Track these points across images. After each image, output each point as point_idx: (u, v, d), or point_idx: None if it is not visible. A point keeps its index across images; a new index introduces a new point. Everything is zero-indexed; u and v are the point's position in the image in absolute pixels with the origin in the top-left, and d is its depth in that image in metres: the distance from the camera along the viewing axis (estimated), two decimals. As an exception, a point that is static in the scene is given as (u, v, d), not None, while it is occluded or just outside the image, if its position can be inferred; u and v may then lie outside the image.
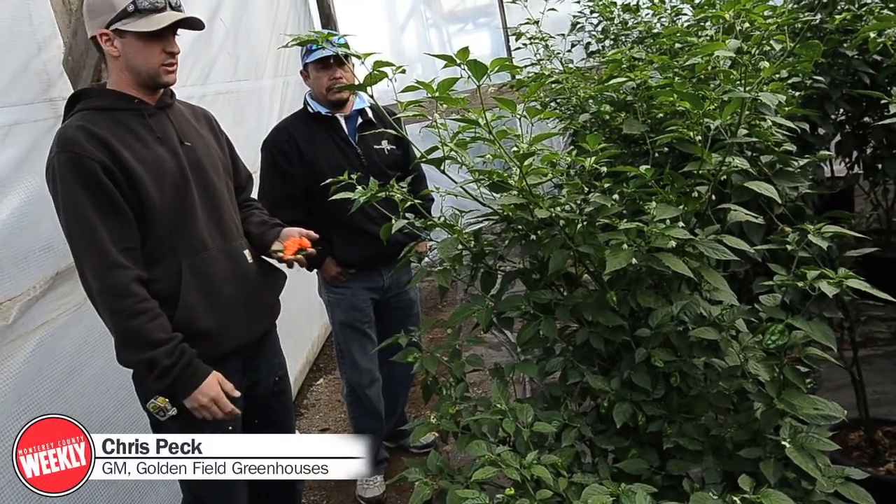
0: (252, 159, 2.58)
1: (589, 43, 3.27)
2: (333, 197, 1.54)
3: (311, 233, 1.92)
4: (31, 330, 1.83)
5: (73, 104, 1.64)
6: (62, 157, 1.52)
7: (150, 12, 1.57)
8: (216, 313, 1.69)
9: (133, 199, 1.57)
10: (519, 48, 2.95)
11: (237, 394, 1.65)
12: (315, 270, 2.65)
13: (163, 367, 1.55)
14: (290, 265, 1.86)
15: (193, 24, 1.66)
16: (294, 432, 2.13)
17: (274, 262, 1.92)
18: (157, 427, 1.67)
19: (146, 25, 1.56)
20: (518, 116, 1.30)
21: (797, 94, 1.87)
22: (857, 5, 2.47)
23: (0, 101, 1.79)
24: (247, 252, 1.84)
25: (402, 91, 1.33)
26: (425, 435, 1.44)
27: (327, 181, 1.65)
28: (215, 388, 1.61)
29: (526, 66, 2.77)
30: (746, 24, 1.35)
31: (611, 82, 1.64)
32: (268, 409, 1.95)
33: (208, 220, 1.73)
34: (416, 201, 1.51)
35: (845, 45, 2.45)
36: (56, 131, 1.59)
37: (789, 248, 1.17)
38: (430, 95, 1.23)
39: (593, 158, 1.32)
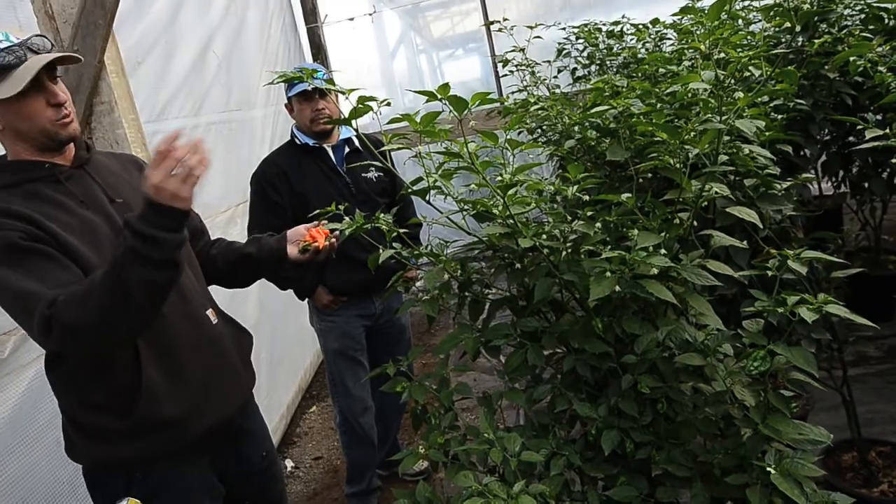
0: (244, 187, 2.61)
1: (575, 68, 3.32)
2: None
3: (317, 222, 1.75)
4: (27, 363, 1.83)
5: None
6: None
7: (6, 70, 1.29)
8: (182, 393, 1.46)
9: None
10: (506, 75, 3.00)
11: None
12: (306, 300, 2.66)
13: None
14: (327, 254, 1.70)
15: (68, 59, 1.39)
16: None
17: (236, 321, 1.72)
18: None
19: (8, 88, 1.28)
20: (501, 148, 1.32)
21: (780, 116, 1.90)
22: (836, 28, 2.52)
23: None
24: (210, 312, 1.60)
25: (388, 123, 1.35)
26: (415, 464, 1.43)
27: (316, 212, 1.66)
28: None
29: (512, 93, 2.81)
30: (723, 54, 1.37)
31: (594, 110, 1.66)
32: (260, 489, 1.76)
33: None
34: (402, 231, 1.52)
35: (826, 67, 2.50)
36: None
37: (770, 273, 1.18)
38: (414, 130, 1.25)
39: (575, 187, 1.34)
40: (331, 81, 1.40)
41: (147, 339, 1.42)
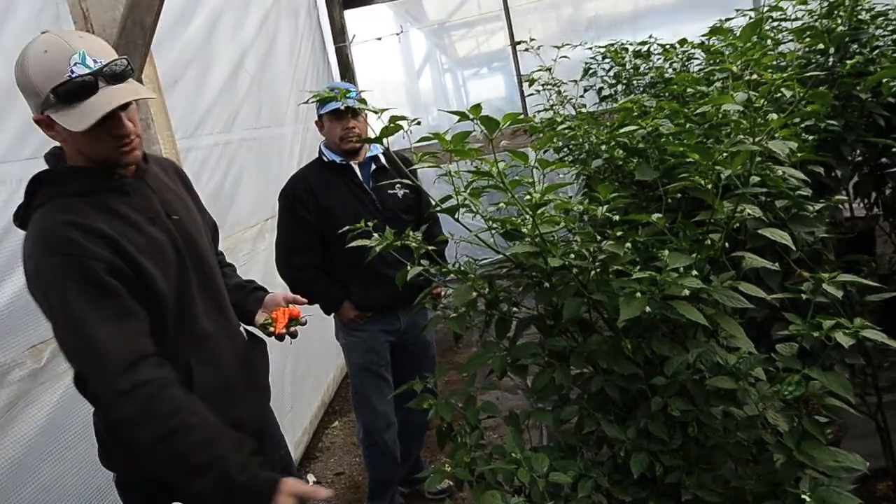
0: (273, 203, 2.65)
1: (601, 88, 3.32)
2: (351, 245, 1.56)
3: (298, 297, 1.73)
4: (62, 371, 1.87)
5: (36, 188, 1.34)
6: (56, 262, 1.24)
7: (77, 98, 1.23)
8: (227, 405, 1.47)
9: (142, 297, 1.32)
10: (532, 94, 3.01)
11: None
12: (332, 314, 2.68)
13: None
14: (280, 339, 1.65)
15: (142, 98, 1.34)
16: None
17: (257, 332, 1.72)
18: None
19: (75, 121, 1.22)
20: (530, 167, 1.33)
21: (811, 137, 1.88)
22: (868, 49, 2.49)
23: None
24: (242, 328, 1.63)
25: (417, 142, 1.37)
26: (440, 482, 1.43)
27: (344, 228, 1.68)
28: (299, 486, 1.34)
29: (538, 112, 2.82)
30: (755, 76, 1.37)
31: (622, 130, 1.66)
32: None
33: (208, 301, 1.49)
34: (431, 248, 1.53)
35: (858, 87, 2.47)
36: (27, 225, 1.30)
37: (804, 296, 1.16)
38: (444, 149, 1.26)
39: (605, 207, 1.34)
40: (363, 101, 1.42)
41: (199, 360, 1.45)
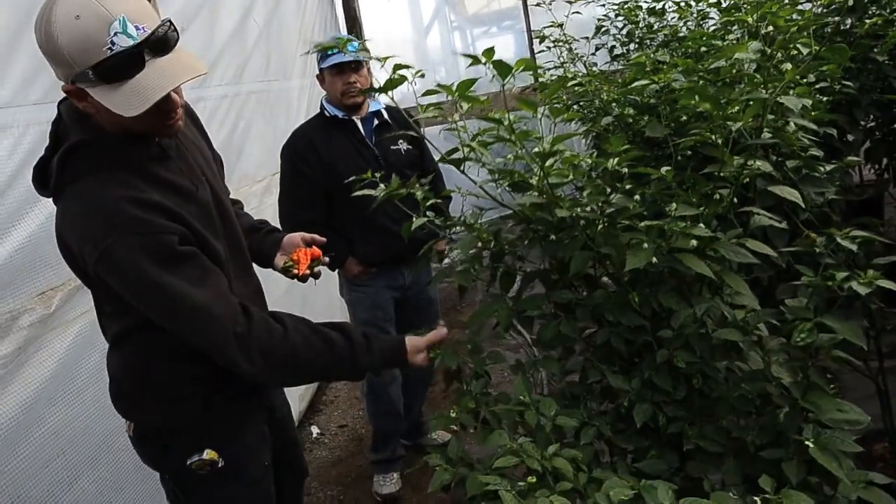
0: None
1: (613, 46, 3.26)
2: (355, 193, 1.55)
3: (316, 237, 1.69)
4: (72, 318, 1.88)
5: (71, 157, 1.20)
6: (128, 244, 1.15)
7: (121, 76, 1.09)
8: None
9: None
10: (542, 51, 2.96)
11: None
12: (336, 270, 2.68)
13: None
14: (303, 280, 1.62)
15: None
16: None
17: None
18: (186, 489, 1.47)
19: (122, 104, 1.09)
20: (539, 117, 1.31)
21: (825, 98, 1.85)
22: (888, 10, 2.43)
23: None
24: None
25: (423, 94, 1.34)
26: (442, 428, 1.44)
27: (349, 180, 1.67)
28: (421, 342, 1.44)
29: (550, 69, 2.78)
30: (771, 28, 1.34)
31: (634, 85, 1.64)
32: (287, 442, 1.74)
33: (235, 260, 1.43)
34: (437, 200, 1.52)
35: (875, 49, 2.42)
36: (70, 199, 1.21)
37: (817, 250, 1.16)
38: (449, 96, 1.24)
39: (616, 160, 1.32)
40: (365, 49, 1.39)
41: None
